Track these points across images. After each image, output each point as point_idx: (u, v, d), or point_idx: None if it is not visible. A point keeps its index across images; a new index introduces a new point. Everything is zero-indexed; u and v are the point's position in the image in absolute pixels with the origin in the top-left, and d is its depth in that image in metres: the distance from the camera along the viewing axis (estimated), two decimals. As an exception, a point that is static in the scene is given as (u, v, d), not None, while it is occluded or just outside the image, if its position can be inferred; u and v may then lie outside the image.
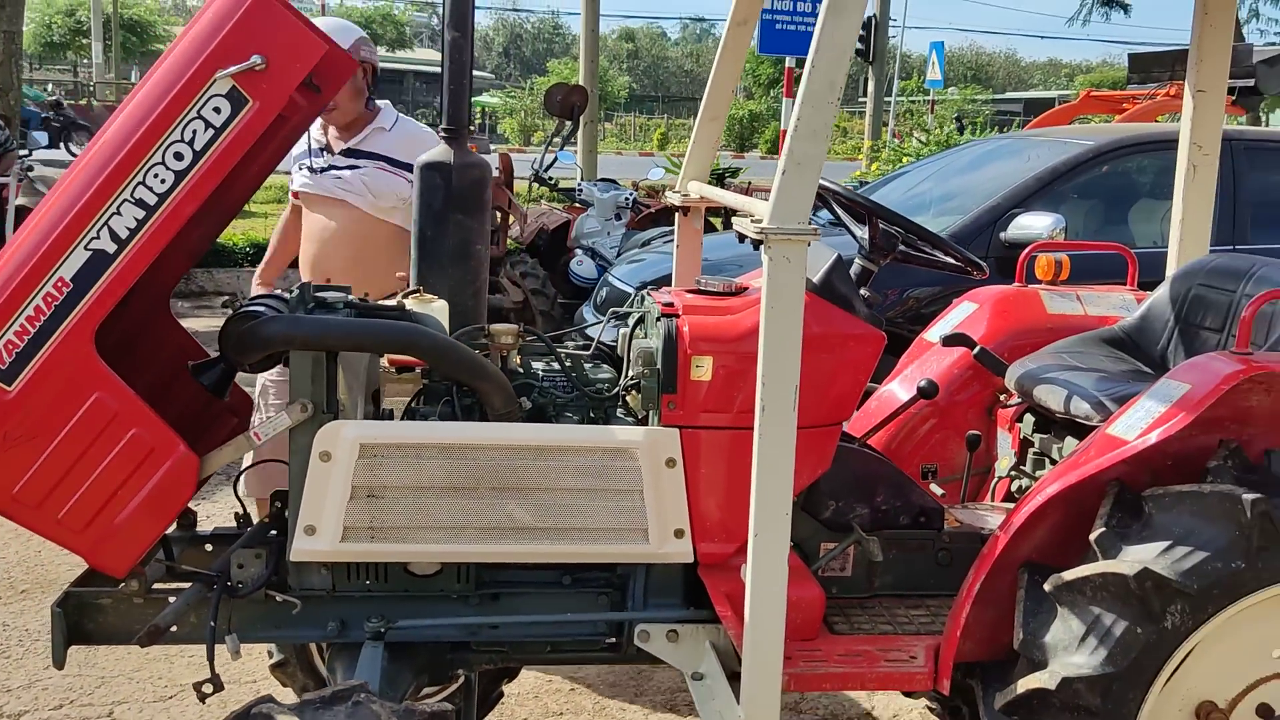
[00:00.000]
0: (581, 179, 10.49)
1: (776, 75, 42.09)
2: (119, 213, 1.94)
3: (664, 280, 5.64)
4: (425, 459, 2.12)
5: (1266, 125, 11.35)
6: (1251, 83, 8.42)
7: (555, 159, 9.02)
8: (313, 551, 2.12)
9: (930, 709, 3.13)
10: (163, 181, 1.95)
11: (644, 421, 2.29)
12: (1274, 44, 12.83)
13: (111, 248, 1.95)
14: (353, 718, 1.83)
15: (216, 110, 1.96)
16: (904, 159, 11.59)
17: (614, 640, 2.36)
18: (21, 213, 6.24)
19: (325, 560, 2.16)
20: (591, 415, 2.35)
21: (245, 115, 1.97)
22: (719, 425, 2.19)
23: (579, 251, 8.61)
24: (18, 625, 3.56)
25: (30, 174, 6.36)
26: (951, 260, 2.45)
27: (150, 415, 2.02)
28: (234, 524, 2.47)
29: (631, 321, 2.44)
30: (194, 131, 1.96)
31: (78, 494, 2.00)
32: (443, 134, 2.60)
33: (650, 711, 3.21)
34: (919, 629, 2.30)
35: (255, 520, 2.42)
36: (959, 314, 2.97)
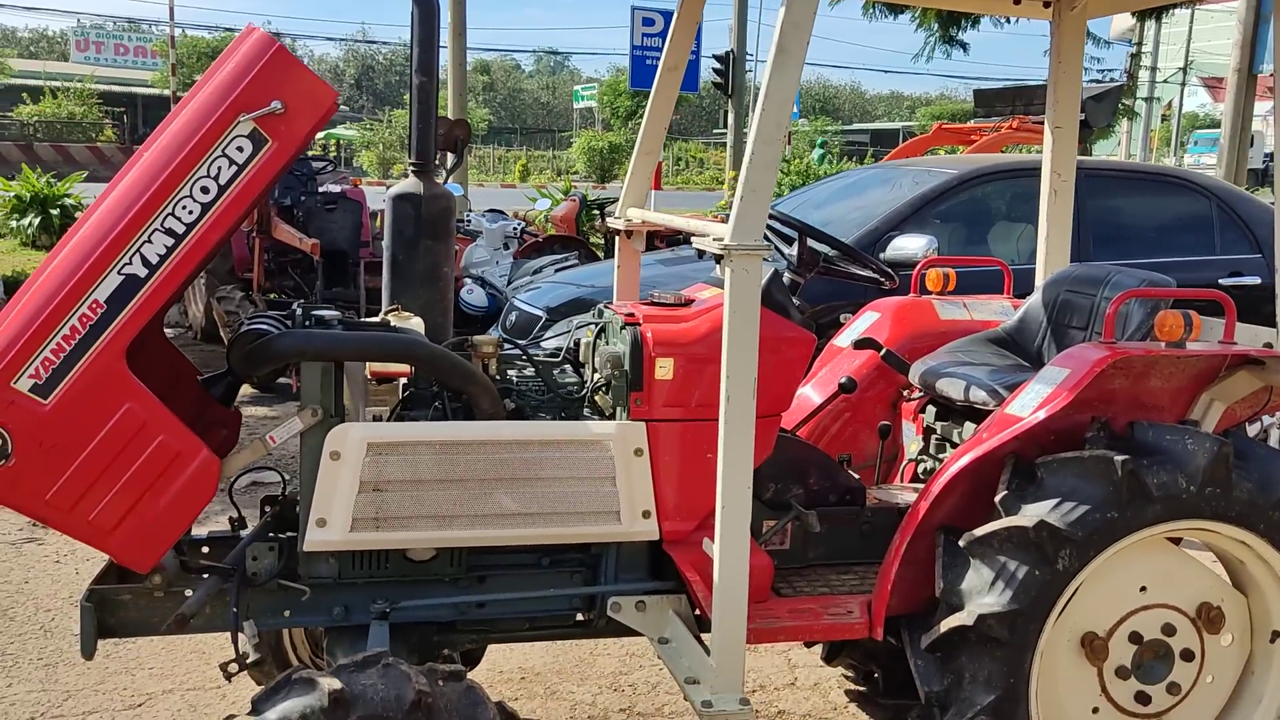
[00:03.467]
0: (469, 210, 10.73)
1: (634, 107, 43.12)
2: (150, 240, 2.15)
3: (570, 304, 6.00)
4: (424, 455, 2.38)
5: (1091, 155, 12.59)
6: (1082, 117, 9.39)
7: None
8: (325, 541, 2.35)
9: (846, 676, 3.54)
10: (190, 212, 2.17)
11: (612, 417, 2.61)
12: (1098, 81, 14.18)
13: (143, 272, 2.15)
14: (385, 678, 2.07)
15: (239, 149, 2.19)
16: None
17: (585, 617, 2.66)
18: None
19: (336, 549, 2.39)
20: (563, 414, 2.66)
21: (265, 154, 2.21)
22: (679, 418, 2.53)
23: (468, 280, 8.83)
24: (-30, 650, 3.57)
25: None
26: (867, 272, 2.88)
27: (175, 422, 2.22)
28: (228, 527, 2.67)
29: (594, 331, 2.76)
30: (219, 168, 2.18)
31: (108, 497, 2.18)
32: (411, 168, 2.88)
33: (598, 692, 3.50)
34: (851, 589, 2.69)
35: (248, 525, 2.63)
36: (864, 322, 3.42)
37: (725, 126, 19.98)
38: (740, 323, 2.28)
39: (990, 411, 2.65)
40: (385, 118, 39.56)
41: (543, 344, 3.70)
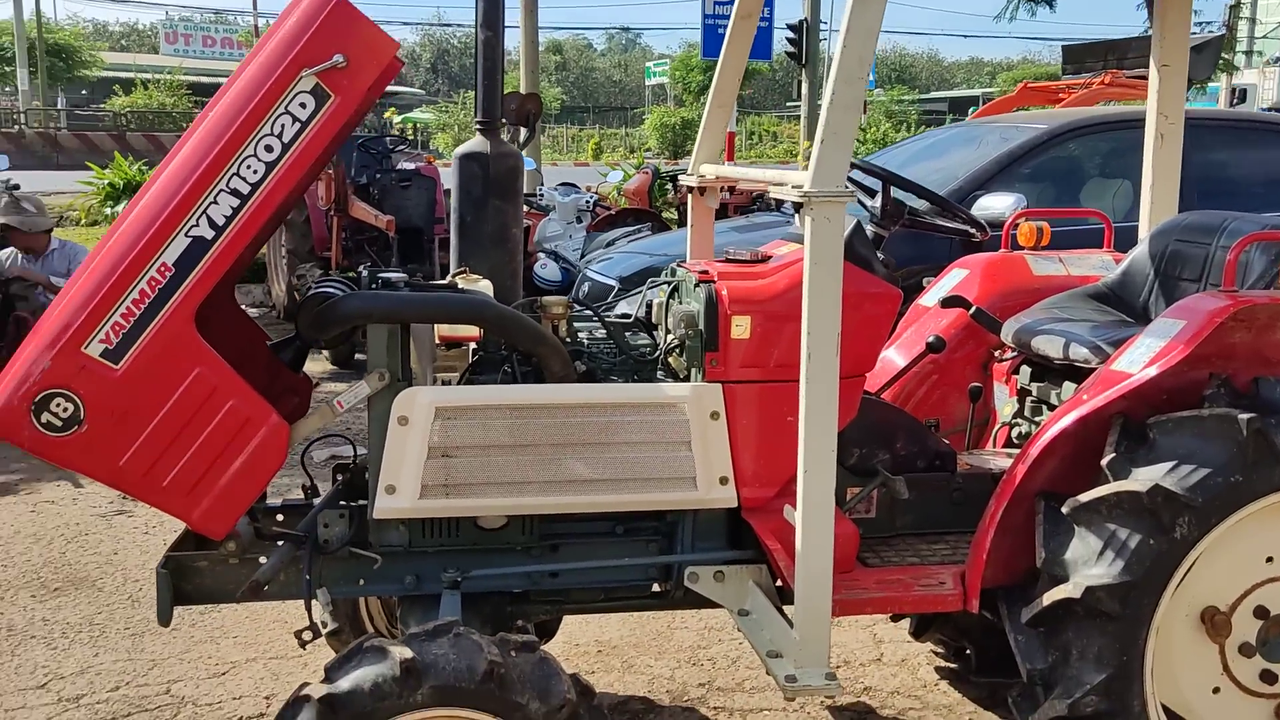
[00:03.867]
0: (541, 184, 10.69)
1: (706, 82, 42.68)
2: (216, 201, 2.11)
3: (643, 273, 5.90)
4: (494, 420, 2.31)
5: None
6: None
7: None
8: (394, 509, 2.30)
9: (936, 651, 3.40)
10: (255, 172, 2.12)
11: (687, 380, 2.51)
12: (1195, 33, 13.47)
13: (210, 234, 2.11)
14: (455, 647, 2.02)
15: (302, 105, 2.14)
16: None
17: (661, 588, 2.57)
18: (5, 231, 6.22)
19: (405, 516, 2.34)
20: (635, 377, 2.57)
21: (328, 110, 2.15)
22: (758, 379, 2.42)
23: (541, 255, 8.79)
24: (58, 620, 3.64)
25: (15, 192, 6.34)
26: (957, 224, 2.71)
27: (245, 387, 2.19)
28: (301, 495, 2.64)
29: (666, 291, 2.66)
30: (282, 125, 2.13)
31: (181, 463, 2.16)
32: (478, 126, 2.80)
33: (676, 666, 3.42)
34: (942, 560, 2.55)
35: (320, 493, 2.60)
36: (951, 279, 3.24)
37: (799, 98, 19.60)
38: (822, 276, 2.16)
39: (1092, 370, 2.48)
40: (460, 100, 39.91)
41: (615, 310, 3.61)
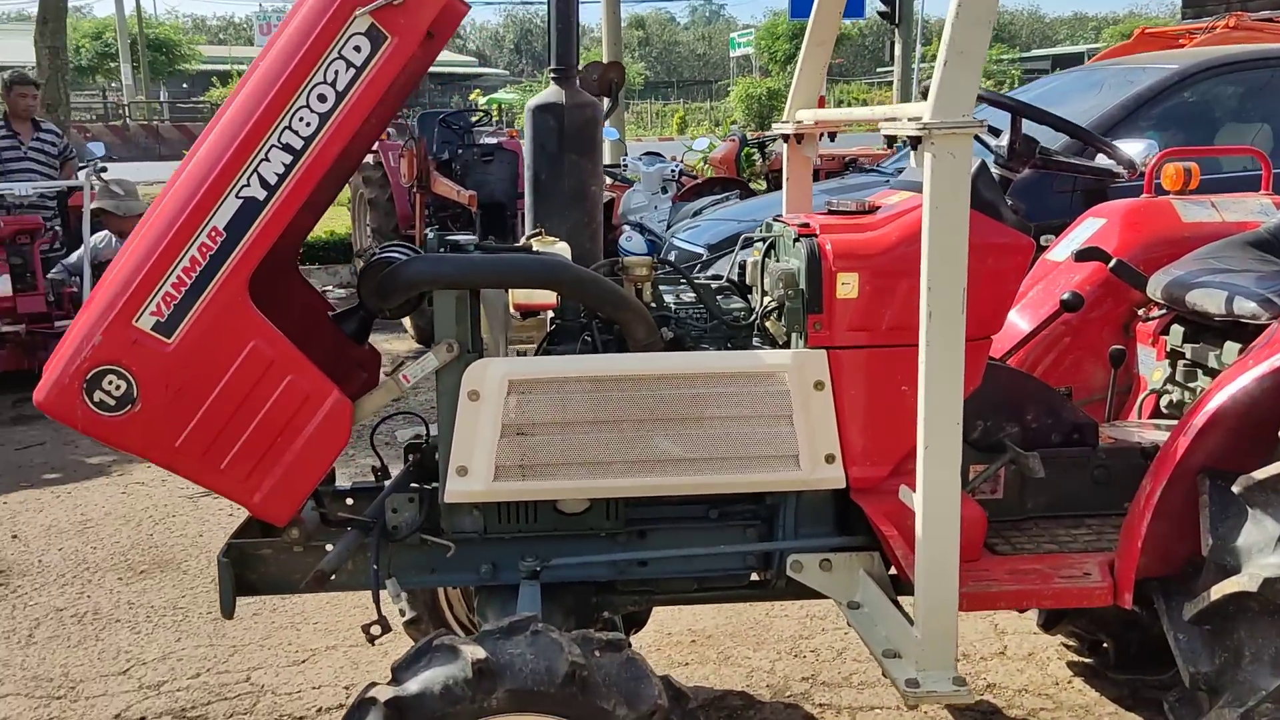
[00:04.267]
0: (624, 155, 10.46)
1: (792, 51, 41.72)
2: (267, 159, 1.93)
3: (730, 239, 5.61)
4: (573, 393, 2.09)
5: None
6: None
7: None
8: (466, 492, 2.10)
9: (1067, 645, 3.07)
10: (308, 125, 1.93)
11: (787, 346, 2.25)
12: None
13: (262, 194, 1.93)
14: (533, 646, 1.81)
15: (357, 49, 1.93)
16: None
17: (760, 577, 2.33)
18: (96, 216, 6.27)
19: (479, 500, 2.14)
20: (729, 344, 2.32)
21: (385, 52, 1.94)
22: (867, 344, 2.14)
23: (626, 228, 8.57)
24: (143, 603, 3.59)
25: (104, 175, 6.40)
26: (1102, 162, 2.37)
27: (305, 361, 2.01)
28: (371, 478, 2.47)
29: (761, 249, 2.40)
30: (335, 72, 1.93)
31: (239, 444, 1.99)
32: (551, 75, 2.57)
33: (776, 658, 3.17)
34: (1085, 547, 2.24)
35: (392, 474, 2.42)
36: (1085, 230, 2.90)
37: (892, 62, 18.90)
38: (945, 222, 1.87)
39: (1261, 327, 2.13)
40: (544, 79, 39.81)
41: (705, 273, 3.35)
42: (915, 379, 2.11)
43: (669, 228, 8.30)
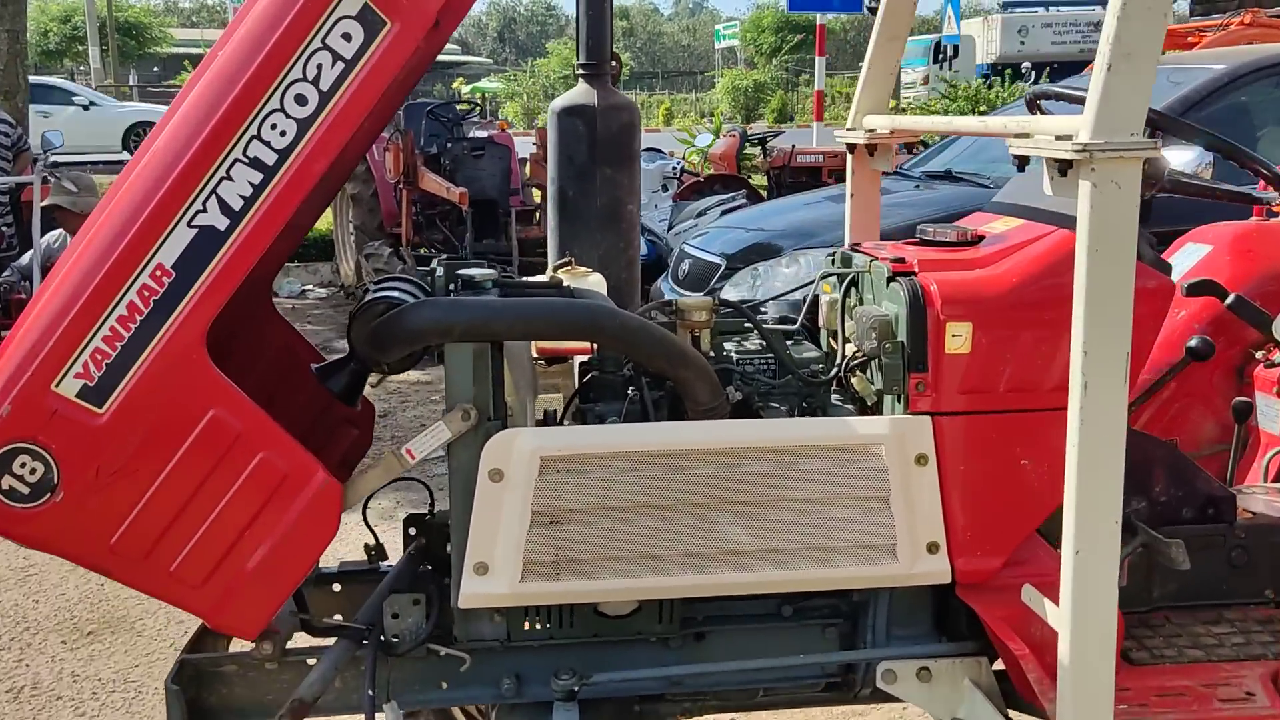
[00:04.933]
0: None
1: (778, 44, 41.23)
2: (229, 177, 1.49)
3: (750, 249, 5.19)
4: (619, 472, 1.67)
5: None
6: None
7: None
8: (487, 595, 1.67)
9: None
10: (283, 134, 1.49)
11: (875, 410, 1.84)
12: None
13: (223, 222, 1.49)
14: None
15: (346, 37, 1.50)
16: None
17: (839, 680, 1.92)
18: (50, 213, 5.76)
19: (502, 605, 1.72)
20: (804, 405, 1.91)
21: (383, 41, 1.50)
22: (981, 409, 1.74)
23: (624, 227, 8.15)
24: (88, 674, 3.13)
25: (56, 170, 5.88)
26: (1244, 188, 1.97)
27: (281, 434, 1.57)
28: (364, 557, 2.04)
29: (838, 285, 1.98)
30: (319, 67, 1.50)
31: (194, 539, 1.56)
32: (581, 73, 2.14)
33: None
34: (1235, 653, 1.84)
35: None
36: (1186, 257, 2.49)
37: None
38: (1107, 270, 1.48)
39: None
40: (528, 68, 39.24)
41: (765, 306, 2.90)
42: (1036, 451, 1.74)
43: (670, 228, 7.89)
